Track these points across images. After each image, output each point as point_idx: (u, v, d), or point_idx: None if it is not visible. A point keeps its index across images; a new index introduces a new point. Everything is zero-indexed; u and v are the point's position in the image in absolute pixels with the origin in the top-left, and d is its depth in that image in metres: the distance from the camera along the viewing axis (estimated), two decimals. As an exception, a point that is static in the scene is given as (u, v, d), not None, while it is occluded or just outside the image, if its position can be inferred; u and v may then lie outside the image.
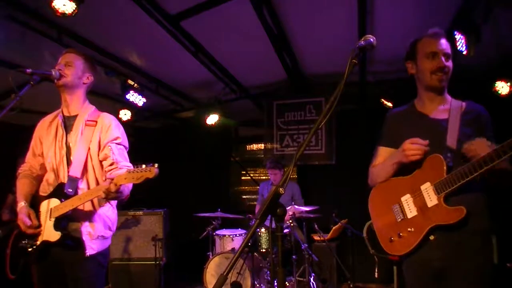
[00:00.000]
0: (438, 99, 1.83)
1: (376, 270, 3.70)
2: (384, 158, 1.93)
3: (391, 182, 1.86)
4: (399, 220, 1.77)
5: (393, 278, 3.53)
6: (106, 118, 2.11)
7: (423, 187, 1.71)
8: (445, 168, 1.64)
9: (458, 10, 3.10)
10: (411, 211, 1.73)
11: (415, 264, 1.73)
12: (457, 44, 3.01)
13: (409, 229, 1.72)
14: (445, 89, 1.84)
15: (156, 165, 1.73)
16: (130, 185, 1.93)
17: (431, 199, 1.67)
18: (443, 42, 1.79)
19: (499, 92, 3.97)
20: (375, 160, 1.99)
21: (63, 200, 1.92)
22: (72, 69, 2.05)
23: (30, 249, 1.93)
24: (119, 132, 2.10)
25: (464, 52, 2.98)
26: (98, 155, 2.04)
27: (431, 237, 1.67)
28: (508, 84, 3.92)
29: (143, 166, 1.73)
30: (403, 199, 1.78)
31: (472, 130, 1.69)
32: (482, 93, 4.23)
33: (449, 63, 1.77)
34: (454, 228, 1.61)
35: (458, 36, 3.00)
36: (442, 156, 1.66)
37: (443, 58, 1.75)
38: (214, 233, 4.35)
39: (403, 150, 1.70)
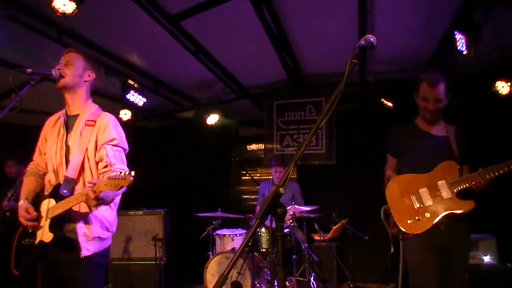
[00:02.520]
0: (435, 122, 2.36)
1: (392, 245, 3.86)
2: (393, 166, 2.47)
3: (409, 177, 2.29)
4: (417, 207, 2.19)
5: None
6: (105, 118, 2.07)
7: (440, 183, 2.17)
8: (458, 171, 2.17)
9: (458, 10, 3.09)
10: (428, 201, 2.18)
11: (426, 242, 2.16)
12: (457, 44, 3.01)
13: (426, 214, 2.15)
14: (439, 118, 2.36)
15: (132, 173, 1.67)
16: (120, 190, 1.82)
17: (446, 193, 2.15)
18: (437, 90, 2.23)
19: (499, 92, 3.97)
20: (388, 169, 2.51)
21: (58, 201, 1.91)
22: (72, 68, 2.04)
23: (30, 248, 1.95)
24: (116, 133, 2.04)
25: (464, 52, 2.98)
26: (95, 156, 2.01)
27: (442, 226, 2.14)
28: (508, 84, 3.93)
29: (122, 173, 1.67)
30: (421, 191, 2.21)
31: (461, 146, 2.28)
32: (482, 93, 4.24)
33: (439, 105, 2.26)
34: (461, 218, 2.12)
35: (458, 36, 2.99)
36: (455, 162, 2.18)
37: (432, 103, 2.26)
38: (214, 233, 4.35)
39: None
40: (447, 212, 2.12)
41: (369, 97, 5.09)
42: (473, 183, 2.07)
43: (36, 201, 2.04)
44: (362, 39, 1.45)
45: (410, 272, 2.28)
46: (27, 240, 1.97)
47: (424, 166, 2.24)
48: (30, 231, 1.98)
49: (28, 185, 2.11)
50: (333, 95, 1.35)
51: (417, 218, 2.17)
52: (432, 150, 2.26)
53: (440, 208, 2.14)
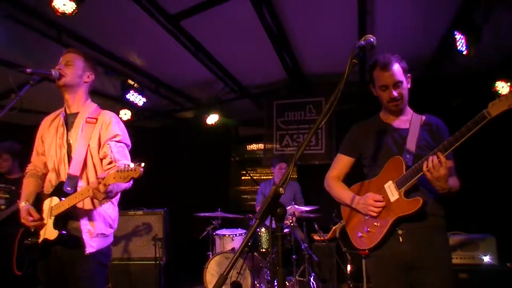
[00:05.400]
0: (401, 112, 2.02)
1: (349, 268, 3.88)
2: (342, 167, 2.15)
3: (360, 185, 2.04)
4: (367, 217, 1.91)
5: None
6: (107, 115, 2.10)
7: (386, 185, 1.87)
8: (404, 166, 1.82)
9: (458, 10, 3.09)
10: None
11: (385, 258, 1.85)
12: (457, 44, 3.01)
13: (375, 224, 1.87)
14: (404, 107, 2.00)
15: (142, 164, 1.71)
16: (123, 185, 1.90)
17: (393, 194, 1.83)
18: (392, 73, 1.89)
19: (499, 92, 3.97)
20: (333, 168, 2.20)
21: (62, 198, 1.92)
22: (72, 68, 2.05)
23: (33, 247, 1.95)
24: (119, 129, 2.07)
25: (464, 52, 2.98)
26: (99, 153, 2.03)
27: (400, 231, 1.82)
28: (508, 84, 3.93)
29: (131, 165, 1.71)
30: None
31: (430, 137, 1.90)
32: (482, 93, 4.24)
33: (400, 90, 1.92)
34: (415, 219, 1.78)
35: (458, 36, 3.00)
36: (401, 157, 1.85)
37: (393, 90, 1.91)
38: (214, 233, 4.35)
39: (367, 205, 1.87)
40: (396, 217, 1.78)
41: (369, 97, 5.06)
42: (420, 173, 1.71)
43: (38, 201, 2.04)
44: (362, 39, 1.46)
45: None
46: (29, 240, 1.97)
47: (381, 166, 1.94)
48: (32, 230, 1.98)
49: (28, 186, 2.12)
50: (333, 95, 1.35)
51: (366, 230, 1.89)
52: (389, 146, 1.94)
53: (388, 215, 1.81)
